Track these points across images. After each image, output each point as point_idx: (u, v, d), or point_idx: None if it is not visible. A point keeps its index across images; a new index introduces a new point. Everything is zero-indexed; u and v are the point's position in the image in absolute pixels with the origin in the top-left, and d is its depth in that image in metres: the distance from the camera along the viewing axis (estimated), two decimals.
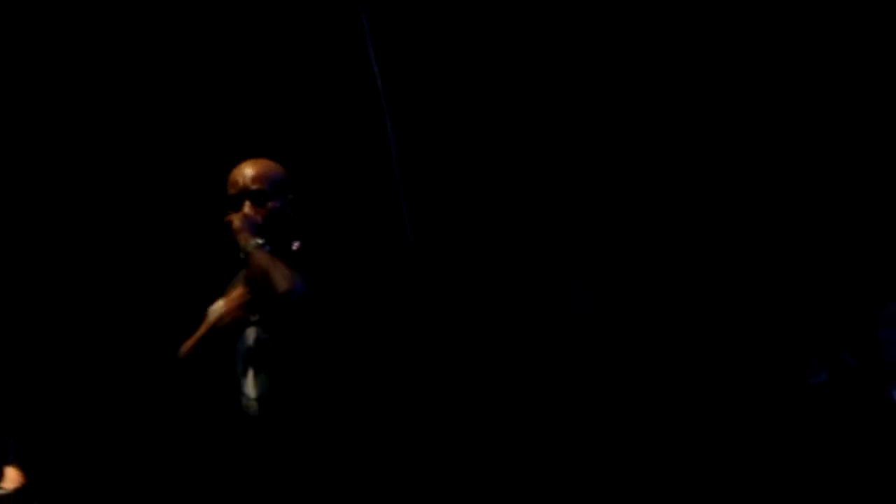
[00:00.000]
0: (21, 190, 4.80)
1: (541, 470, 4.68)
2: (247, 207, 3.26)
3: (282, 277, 3.12)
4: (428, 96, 4.78)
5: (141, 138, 4.83)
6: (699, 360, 4.65)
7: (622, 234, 4.80)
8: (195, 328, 3.34)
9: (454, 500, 4.48)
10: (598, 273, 4.82)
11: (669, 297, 4.74)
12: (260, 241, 3.18)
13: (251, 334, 3.30)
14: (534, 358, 4.75)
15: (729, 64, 4.70)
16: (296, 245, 3.34)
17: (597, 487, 4.67)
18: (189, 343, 3.33)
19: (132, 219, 4.84)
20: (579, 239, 4.84)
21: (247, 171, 3.31)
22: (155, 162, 4.83)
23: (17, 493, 3.66)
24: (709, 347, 4.63)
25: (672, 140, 4.77)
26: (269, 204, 3.28)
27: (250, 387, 3.28)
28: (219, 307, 3.37)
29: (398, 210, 4.42)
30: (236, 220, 3.21)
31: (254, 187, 3.28)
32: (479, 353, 4.70)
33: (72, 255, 4.83)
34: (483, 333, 4.73)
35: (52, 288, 4.82)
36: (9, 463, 3.73)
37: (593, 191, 4.83)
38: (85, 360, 4.80)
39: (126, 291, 4.83)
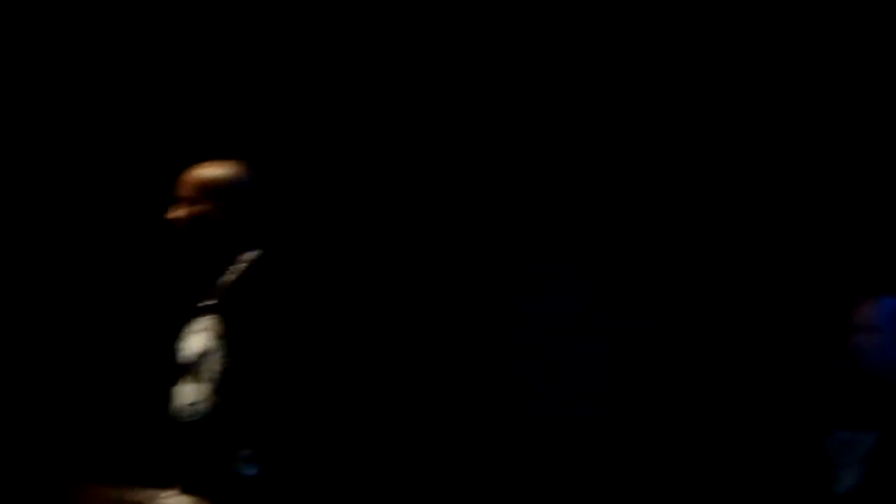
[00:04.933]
0: None
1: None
2: (172, 211, 3.39)
3: None
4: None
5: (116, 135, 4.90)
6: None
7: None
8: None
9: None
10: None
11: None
12: None
13: (199, 340, 3.34)
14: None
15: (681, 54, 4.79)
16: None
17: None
18: None
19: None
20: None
21: (186, 176, 3.44)
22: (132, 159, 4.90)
23: None
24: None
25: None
26: (193, 208, 3.37)
27: (191, 393, 3.31)
28: None
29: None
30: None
31: (183, 193, 3.41)
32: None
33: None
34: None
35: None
36: None
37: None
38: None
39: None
